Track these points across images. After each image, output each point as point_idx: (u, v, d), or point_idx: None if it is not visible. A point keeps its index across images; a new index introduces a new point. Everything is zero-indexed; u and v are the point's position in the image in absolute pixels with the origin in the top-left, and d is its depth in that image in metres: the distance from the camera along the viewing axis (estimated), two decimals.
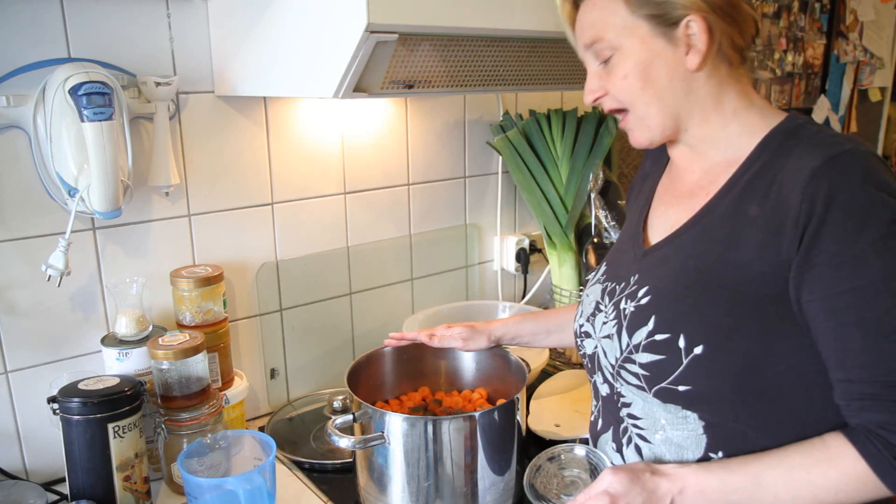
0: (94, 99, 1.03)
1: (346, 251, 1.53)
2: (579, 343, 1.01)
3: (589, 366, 0.99)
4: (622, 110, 0.89)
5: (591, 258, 1.68)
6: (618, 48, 0.84)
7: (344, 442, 1.01)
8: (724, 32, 0.83)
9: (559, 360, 1.69)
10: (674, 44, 0.83)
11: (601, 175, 1.65)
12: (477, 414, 1.01)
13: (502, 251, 1.83)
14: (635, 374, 0.87)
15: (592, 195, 1.65)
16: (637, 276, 0.92)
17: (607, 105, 0.90)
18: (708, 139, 0.88)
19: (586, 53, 0.89)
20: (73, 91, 1.02)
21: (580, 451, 0.98)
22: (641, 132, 0.89)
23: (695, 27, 0.81)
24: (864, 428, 0.77)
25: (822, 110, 2.89)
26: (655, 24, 0.82)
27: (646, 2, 0.82)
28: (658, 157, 1.05)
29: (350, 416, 1.05)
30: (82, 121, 1.03)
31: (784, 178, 0.79)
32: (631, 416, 0.92)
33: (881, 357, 0.75)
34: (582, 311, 1.02)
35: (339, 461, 1.24)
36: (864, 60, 3.00)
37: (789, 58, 2.67)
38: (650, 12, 0.82)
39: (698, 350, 0.81)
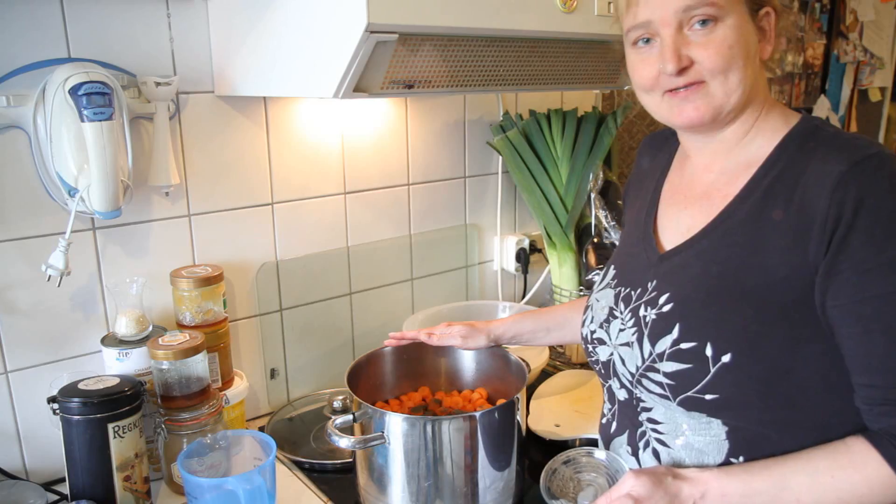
0: (95, 99, 1.02)
1: (346, 251, 1.53)
2: (591, 350, 0.99)
3: (603, 372, 0.97)
4: (695, 83, 0.83)
5: (591, 258, 1.68)
6: (723, 17, 0.81)
7: (344, 442, 1.01)
8: (779, 35, 0.86)
9: (559, 360, 1.69)
10: (756, 29, 0.84)
11: (601, 175, 1.65)
12: (477, 414, 1.01)
13: (502, 251, 1.83)
14: (659, 384, 0.86)
15: (592, 195, 1.65)
16: (655, 282, 0.90)
17: (684, 79, 0.82)
18: (742, 135, 0.87)
19: (677, 16, 0.81)
20: (74, 91, 1.02)
21: (599, 454, 0.97)
22: (710, 106, 0.83)
23: (769, 20, 0.84)
24: (886, 433, 0.77)
25: (822, 110, 2.89)
26: (750, 5, 0.83)
27: None
28: (655, 156, 1.04)
29: (350, 416, 1.05)
30: (82, 121, 1.03)
31: (808, 181, 0.78)
32: (651, 420, 0.90)
33: None
34: (593, 317, 1.00)
35: (339, 461, 1.24)
36: (864, 60, 3.00)
37: (789, 58, 2.67)
38: None
39: (726, 358, 0.80)
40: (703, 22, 0.80)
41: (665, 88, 0.84)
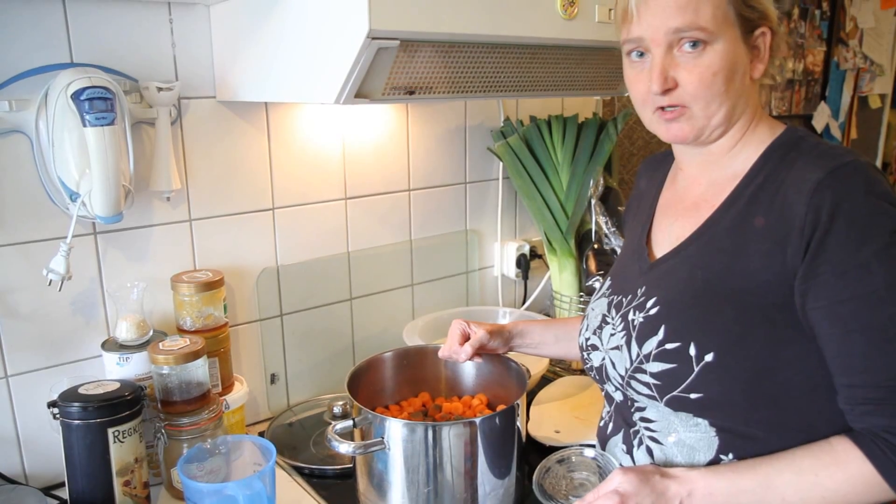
0: (97, 104, 1.03)
1: (346, 256, 1.54)
2: (585, 356, 1.02)
3: (597, 377, 1.00)
4: (679, 106, 0.85)
5: (592, 264, 1.68)
6: (712, 42, 0.81)
7: (344, 447, 1.01)
8: (773, 53, 0.88)
9: (559, 367, 1.68)
10: (748, 50, 0.85)
11: (601, 181, 1.65)
12: (477, 420, 1.01)
13: (503, 257, 1.83)
14: (646, 384, 0.88)
15: (593, 201, 1.65)
16: (644, 287, 0.93)
17: (668, 100, 0.84)
18: (729, 148, 0.90)
19: (667, 37, 0.82)
20: (76, 96, 1.03)
21: (589, 453, 0.99)
22: (693, 128, 0.86)
23: (764, 40, 0.85)
24: (868, 431, 0.78)
25: (822, 117, 2.89)
26: (743, 27, 0.84)
27: (746, 2, 0.83)
28: (653, 176, 1.07)
29: (350, 422, 1.05)
30: (84, 126, 1.03)
31: (788, 189, 0.80)
32: (644, 419, 0.92)
33: (884, 363, 0.77)
34: (588, 325, 1.02)
35: (339, 467, 1.24)
36: (864, 67, 3.01)
37: (789, 65, 2.68)
38: (745, 14, 0.83)
39: (709, 357, 0.82)
40: (693, 44, 0.82)
41: (655, 105, 0.87)
